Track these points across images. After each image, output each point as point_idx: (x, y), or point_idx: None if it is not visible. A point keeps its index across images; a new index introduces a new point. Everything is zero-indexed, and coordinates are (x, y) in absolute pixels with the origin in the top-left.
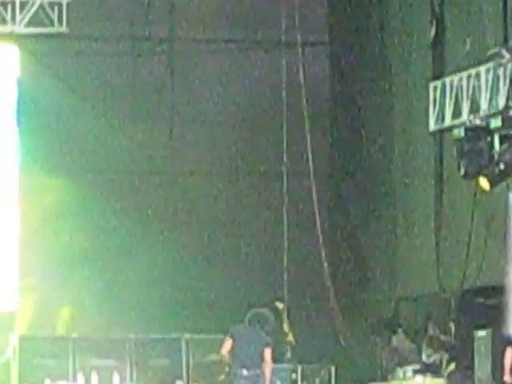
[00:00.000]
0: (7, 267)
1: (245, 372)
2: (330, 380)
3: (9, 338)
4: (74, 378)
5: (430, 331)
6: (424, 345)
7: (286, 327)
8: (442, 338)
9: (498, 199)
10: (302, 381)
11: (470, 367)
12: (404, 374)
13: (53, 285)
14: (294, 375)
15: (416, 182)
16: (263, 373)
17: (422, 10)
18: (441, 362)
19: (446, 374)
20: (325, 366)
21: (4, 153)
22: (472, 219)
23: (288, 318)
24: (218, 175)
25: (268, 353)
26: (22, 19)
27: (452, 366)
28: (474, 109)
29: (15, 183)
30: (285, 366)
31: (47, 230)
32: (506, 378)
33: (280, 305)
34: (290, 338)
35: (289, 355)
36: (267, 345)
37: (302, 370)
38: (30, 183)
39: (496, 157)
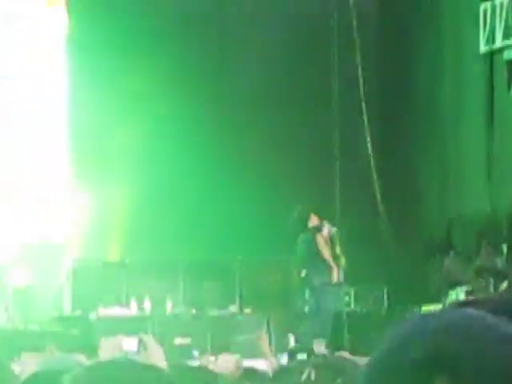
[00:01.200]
0: (57, 195)
1: None
2: (382, 301)
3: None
4: (128, 305)
5: (482, 255)
6: (472, 273)
7: (338, 250)
8: (491, 263)
9: None
10: (355, 302)
11: None
12: (457, 295)
13: (105, 208)
14: (347, 298)
15: (467, 104)
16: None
17: None
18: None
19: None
20: (377, 288)
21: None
22: None
23: (340, 241)
24: (266, 103)
25: None
26: None
27: (504, 285)
28: None
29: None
30: (337, 288)
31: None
32: None
33: (333, 228)
34: (343, 260)
35: (342, 278)
36: None
37: (355, 292)
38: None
39: None
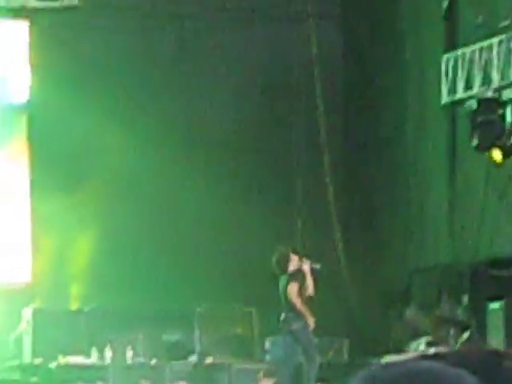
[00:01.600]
0: (20, 237)
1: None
2: (343, 353)
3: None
4: (88, 353)
5: (442, 306)
6: (432, 324)
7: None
8: (451, 314)
9: (510, 171)
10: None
11: (483, 339)
12: (417, 346)
13: (66, 256)
14: None
15: (429, 154)
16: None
17: None
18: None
19: (458, 344)
20: (338, 340)
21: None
22: (485, 191)
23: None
24: (226, 149)
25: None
26: None
27: (465, 336)
28: (487, 81)
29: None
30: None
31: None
32: None
33: (317, 265)
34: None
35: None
36: None
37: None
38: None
39: (508, 128)
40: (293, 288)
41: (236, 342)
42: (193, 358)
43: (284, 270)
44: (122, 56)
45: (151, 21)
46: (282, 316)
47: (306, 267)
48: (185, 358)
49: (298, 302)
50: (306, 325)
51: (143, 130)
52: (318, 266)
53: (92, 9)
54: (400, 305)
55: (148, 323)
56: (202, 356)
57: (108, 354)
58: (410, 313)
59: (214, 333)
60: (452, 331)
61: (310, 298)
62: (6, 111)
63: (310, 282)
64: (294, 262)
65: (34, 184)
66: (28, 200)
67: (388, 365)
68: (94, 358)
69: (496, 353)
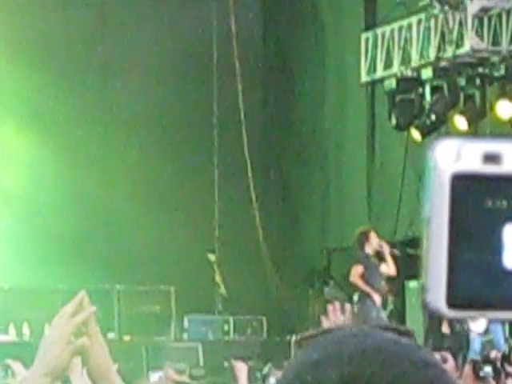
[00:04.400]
0: None
1: None
2: (262, 331)
3: None
4: (6, 331)
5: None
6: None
7: (218, 279)
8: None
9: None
10: (234, 332)
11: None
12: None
13: None
14: (226, 326)
15: (348, 133)
16: None
17: None
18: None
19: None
20: (256, 318)
21: None
22: (404, 171)
23: (220, 269)
24: (147, 126)
25: None
26: None
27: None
28: (406, 60)
29: None
30: (217, 317)
31: None
32: (444, 328)
33: (212, 257)
34: (222, 289)
35: (220, 307)
36: None
37: (234, 322)
38: None
39: (427, 108)
40: (355, 270)
41: (154, 320)
42: (111, 335)
43: (361, 247)
44: (42, 33)
45: None
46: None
47: (386, 249)
48: (104, 335)
49: (358, 283)
50: (369, 302)
51: (61, 110)
52: (397, 252)
53: None
54: (319, 284)
55: (66, 300)
56: (120, 333)
57: (25, 331)
58: (329, 291)
59: (132, 311)
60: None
61: (392, 278)
62: None
63: (390, 262)
64: (372, 242)
65: None
66: None
67: (350, 336)
68: (12, 336)
69: (395, 329)
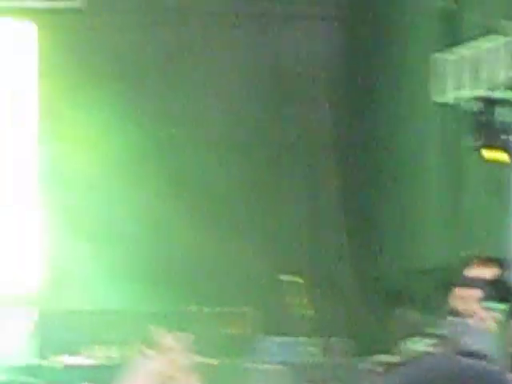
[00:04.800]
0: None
1: None
2: (347, 352)
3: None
4: (91, 353)
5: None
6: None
7: (305, 301)
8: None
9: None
10: (323, 354)
11: None
12: (413, 344)
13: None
14: (311, 348)
15: (422, 155)
16: None
17: None
18: None
19: None
20: (342, 340)
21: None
22: (485, 191)
23: (307, 292)
24: (228, 146)
25: None
26: None
27: None
28: (477, 81)
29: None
30: (302, 339)
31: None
32: None
33: (300, 280)
34: (310, 311)
35: (307, 328)
36: None
37: (322, 343)
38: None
39: (498, 128)
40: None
41: (228, 341)
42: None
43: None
44: (121, 56)
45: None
46: None
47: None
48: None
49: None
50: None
51: (143, 131)
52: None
53: (94, 10)
54: (397, 305)
55: (144, 323)
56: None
57: (111, 353)
58: (409, 312)
59: (212, 332)
60: None
61: None
62: None
63: None
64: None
65: None
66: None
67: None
68: (98, 358)
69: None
